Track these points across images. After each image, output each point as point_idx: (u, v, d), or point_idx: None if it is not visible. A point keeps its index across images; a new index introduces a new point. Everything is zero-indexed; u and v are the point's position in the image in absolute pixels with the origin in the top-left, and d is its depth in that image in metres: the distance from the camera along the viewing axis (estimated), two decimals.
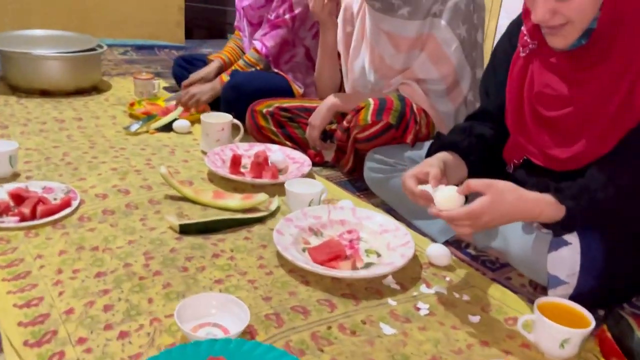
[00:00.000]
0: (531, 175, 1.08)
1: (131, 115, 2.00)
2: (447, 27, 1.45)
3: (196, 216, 1.30)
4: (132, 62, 2.99)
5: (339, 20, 1.70)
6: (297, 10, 1.96)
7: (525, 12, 1.06)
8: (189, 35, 3.73)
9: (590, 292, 0.97)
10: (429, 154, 1.18)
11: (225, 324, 0.91)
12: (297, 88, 1.98)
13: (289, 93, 1.93)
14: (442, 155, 1.14)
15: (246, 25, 2.14)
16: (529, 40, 1.06)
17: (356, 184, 1.63)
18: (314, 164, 1.73)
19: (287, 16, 1.97)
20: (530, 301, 1.06)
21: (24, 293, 0.97)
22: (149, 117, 1.92)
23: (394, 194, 1.40)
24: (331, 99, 1.61)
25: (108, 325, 0.91)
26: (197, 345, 0.82)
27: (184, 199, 1.38)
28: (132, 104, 2.06)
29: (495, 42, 1.25)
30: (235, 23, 2.23)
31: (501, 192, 0.93)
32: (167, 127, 1.89)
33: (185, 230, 1.22)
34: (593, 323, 0.88)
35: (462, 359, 0.89)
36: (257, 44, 2.00)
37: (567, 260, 0.96)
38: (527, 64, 1.08)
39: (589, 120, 0.98)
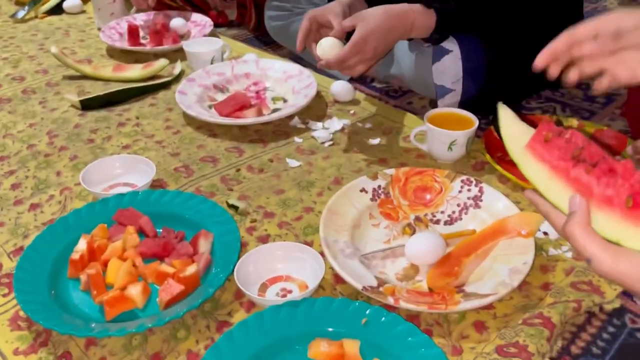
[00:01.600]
0: None
1: (17, 3, 1.85)
2: None
3: (98, 91, 1.27)
4: None
5: None
6: None
7: None
8: None
9: (476, 97, 1.04)
10: None
11: (134, 182, 0.94)
12: None
13: None
14: None
15: None
16: None
17: (263, 38, 1.60)
18: (219, 25, 1.68)
19: None
20: None
21: None
22: (35, 0, 1.78)
23: (296, 39, 1.39)
24: None
25: (18, 201, 0.92)
26: (104, 201, 0.85)
27: (84, 77, 1.33)
28: None
29: None
30: None
31: (370, 15, 0.94)
32: (58, 9, 1.77)
33: (88, 105, 1.20)
34: (476, 123, 0.96)
35: (362, 175, 0.96)
36: None
37: (449, 68, 1.01)
38: None
39: None
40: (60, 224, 0.81)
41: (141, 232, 0.81)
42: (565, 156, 0.53)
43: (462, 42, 1.00)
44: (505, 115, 0.61)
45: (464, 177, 0.86)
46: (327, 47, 0.97)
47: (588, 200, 0.50)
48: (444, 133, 0.94)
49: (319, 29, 1.04)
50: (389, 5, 0.96)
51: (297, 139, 1.08)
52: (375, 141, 1.06)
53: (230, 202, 0.89)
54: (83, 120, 1.16)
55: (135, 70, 1.33)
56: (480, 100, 1.05)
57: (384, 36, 0.96)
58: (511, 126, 0.60)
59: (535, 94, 1.22)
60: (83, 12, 1.78)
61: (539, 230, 0.80)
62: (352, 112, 1.17)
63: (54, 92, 1.28)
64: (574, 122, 1.03)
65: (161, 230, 0.82)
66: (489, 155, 0.94)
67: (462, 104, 1.04)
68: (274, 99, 1.22)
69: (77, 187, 0.95)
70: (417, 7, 0.96)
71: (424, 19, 0.95)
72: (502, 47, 1.03)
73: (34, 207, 0.91)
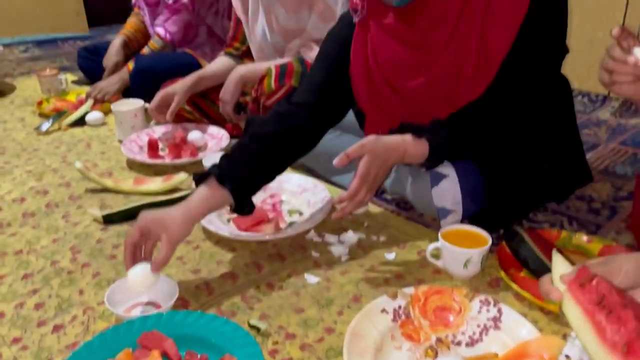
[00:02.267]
0: None
1: (41, 115, 1.95)
2: None
3: (119, 205, 1.31)
4: (35, 59, 2.87)
5: None
6: None
7: None
8: (93, 23, 3.59)
9: (477, 216, 1.08)
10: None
11: (156, 300, 0.96)
12: (206, 63, 1.98)
13: (198, 69, 1.93)
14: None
15: (144, 5, 2.11)
16: (358, 1, 1.05)
17: None
18: (235, 137, 1.76)
19: (185, 0, 1.95)
20: None
21: None
22: (59, 113, 1.88)
23: (310, 154, 1.46)
24: (237, 72, 1.63)
25: (41, 322, 0.93)
26: (129, 324, 0.86)
27: (105, 190, 1.39)
28: (40, 103, 2.00)
29: None
30: (134, 1, 2.20)
31: (374, 142, 0.98)
32: (80, 122, 1.87)
33: (109, 219, 1.24)
34: (490, 241, 0.99)
35: (381, 292, 0.98)
36: (160, 31, 1.99)
37: (448, 191, 1.06)
38: (364, 32, 1.08)
39: (445, 85, 1.01)
40: (86, 349, 0.81)
41: (165, 356, 0.82)
42: (593, 301, 0.62)
43: (458, 166, 1.06)
44: (558, 263, 0.71)
45: (482, 297, 0.88)
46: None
47: (603, 344, 0.61)
48: (459, 251, 0.97)
49: None
50: (384, 137, 1.00)
51: (314, 253, 1.11)
52: (390, 256, 1.09)
53: (252, 323, 0.90)
54: (105, 235, 1.19)
55: (155, 184, 1.38)
56: (484, 217, 1.09)
57: (382, 164, 1.01)
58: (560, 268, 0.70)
59: (540, 207, 1.27)
60: (104, 124, 1.87)
61: (561, 353, 0.81)
62: (365, 224, 1.21)
63: (76, 206, 1.32)
64: (583, 237, 1.06)
65: (185, 354, 0.82)
66: (503, 273, 0.97)
67: (466, 221, 1.08)
68: (290, 212, 1.27)
69: (100, 306, 0.96)
70: (409, 138, 1.00)
71: (416, 148, 1.00)
72: (498, 167, 1.08)
73: (57, 328, 0.91)
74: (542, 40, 0.99)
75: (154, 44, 2.00)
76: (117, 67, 2.05)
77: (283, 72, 1.44)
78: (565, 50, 1.06)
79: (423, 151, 1.01)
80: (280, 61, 1.53)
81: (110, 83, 1.96)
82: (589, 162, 1.49)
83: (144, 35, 2.16)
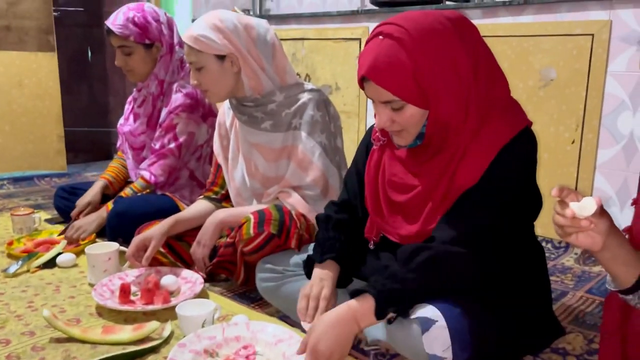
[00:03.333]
0: (385, 251, 1.27)
1: (9, 256, 1.91)
2: (308, 137, 1.60)
3: (85, 357, 1.26)
4: (9, 197, 2.88)
5: (215, 135, 1.81)
6: (181, 139, 2.03)
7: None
8: (71, 159, 3.67)
9: None
10: (309, 264, 1.33)
11: None
12: (185, 207, 2.03)
13: (175, 212, 1.96)
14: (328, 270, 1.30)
15: (128, 148, 2.19)
16: (380, 136, 1.28)
17: (250, 295, 1.66)
18: (206, 280, 1.74)
19: (172, 145, 2.03)
20: None
21: None
22: (30, 255, 1.85)
23: (286, 301, 1.45)
24: (217, 216, 1.67)
25: None
26: None
27: (72, 340, 1.33)
28: (10, 243, 1.97)
29: None
30: (118, 145, 2.28)
31: (314, 328, 1.11)
32: (51, 263, 1.83)
33: None
34: None
35: None
36: (146, 174, 2.04)
37: (438, 337, 1.06)
38: (380, 156, 1.28)
39: (423, 203, 1.17)
40: None
41: None
42: None
43: (445, 312, 1.08)
44: None
45: None
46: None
47: None
48: None
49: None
50: (327, 315, 1.13)
51: None
52: None
53: None
54: None
55: (125, 333, 1.34)
56: None
57: (331, 336, 1.09)
58: None
59: (531, 354, 1.27)
60: (75, 265, 1.84)
61: None
62: None
63: (39, 358, 1.26)
64: None
65: None
66: None
67: None
68: None
69: None
70: (352, 301, 1.11)
71: (363, 308, 1.09)
72: (484, 316, 1.11)
73: None
74: (505, 187, 1.12)
75: (137, 186, 2.04)
76: (89, 208, 2.07)
77: (262, 219, 1.48)
78: (538, 204, 1.20)
79: (370, 307, 1.09)
80: (258, 207, 1.58)
81: (87, 222, 1.97)
82: (559, 310, 1.54)
83: (125, 180, 2.22)
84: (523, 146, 1.13)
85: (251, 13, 3.31)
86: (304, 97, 1.62)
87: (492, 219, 1.12)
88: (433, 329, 1.08)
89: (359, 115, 2.82)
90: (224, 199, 1.85)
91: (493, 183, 1.11)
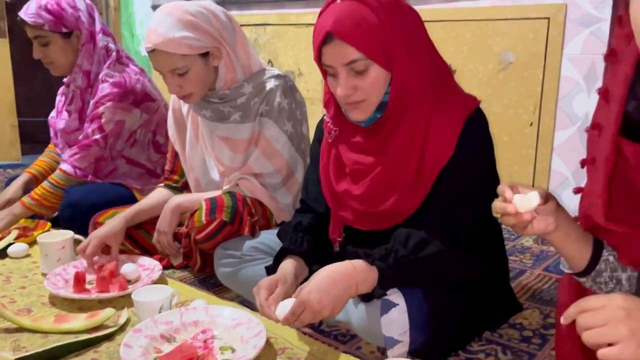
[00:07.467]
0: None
1: None
2: (275, 125, 1.57)
3: (36, 346, 1.21)
4: None
5: (169, 121, 1.76)
6: (107, 129, 1.94)
7: (327, 102, 1.22)
8: (26, 151, 3.54)
9: (424, 347, 1.07)
10: (277, 258, 1.28)
11: None
12: (137, 192, 1.98)
13: (131, 200, 1.91)
14: (292, 265, 1.23)
15: (63, 145, 2.10)
16: (332, 126, 1.22)
17: (210, 280, 1.64)
18: (166, 268, 1.71)
19: (97, 136, 1.94)
20: None
21: None
22: None
23: (245, 285, 1.43)
24: (173, 201, 1.63)
25: None
26: None
27: (22, 329, 1.28)
28: None
29: None
30: (52, 139, 2.17)
31: (314, 275, 1.08)
32: (2, 254, 1.76)
33: None
34: None
35: None
36: (67, 167, 1.93)
37: (397, 320, 1.06)
38: (333, 148, 1.24)
39: (394, 181, 1.15)
40: None
41: None
42: None
43: (408, 296, 1.07)
44: None
45: None
46: (283, 309, 1.04)
47: None
48: None
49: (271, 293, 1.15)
50: (334, 263, 1.05)
51: None
52: None
53: None
54: None
55: (78, 321, 1.30)
56: (429, 348, 1.08)
57: (327, 289, 1.04)
58: None
59: (477, 337, 1.28)
60: (28, 255, 1.78)
61: None
62: (302, 359, 1.17)
63: None
64: None
65: None
66: None
67: (411, 353, 1.07)
68: (222, 349, 1.20)
69: None
70: (359, 263, 1.06)
71: (366, 275, 1.06)
72: (444, 299, 1.11)
73: None
74: (472, 166, 1.12)
75: (56, 178, 1.92)
76: (9, 205, 1.95)
77: (213, 206, 1.46)
78: (496, 182, 1.19)
79: (373, 278, 1.06)
80: (213, 193, 1.55)
81: None
82: (517, 288, 1.56)
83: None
84: (484, 119, 1.15)
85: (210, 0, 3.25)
86: (271, 83, 1.58)
87: (478, 199, 1.10)
88: (392, 312, 1.09)
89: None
90: (184, 187, 1.81)
91: (469, 155, 1.10)
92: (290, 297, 1.12)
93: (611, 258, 0.87)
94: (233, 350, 1.20)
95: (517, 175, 2.19)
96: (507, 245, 1.89)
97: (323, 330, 1.33)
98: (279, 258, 1.28)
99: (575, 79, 2.04)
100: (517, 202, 0.80)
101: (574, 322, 0.71)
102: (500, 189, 0.82)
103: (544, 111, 2.12)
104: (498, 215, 0.83)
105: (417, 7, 1.16)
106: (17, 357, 1.13)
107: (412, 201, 1.14)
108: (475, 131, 1.11)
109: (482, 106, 1.17)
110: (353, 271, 1.06)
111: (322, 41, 1.07)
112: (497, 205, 0.82)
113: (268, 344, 1.21)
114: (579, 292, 0.97)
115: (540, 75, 2.10)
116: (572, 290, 0.99)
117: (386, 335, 1.07)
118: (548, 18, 2.04)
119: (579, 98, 2.05)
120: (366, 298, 1.11)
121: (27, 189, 2.02)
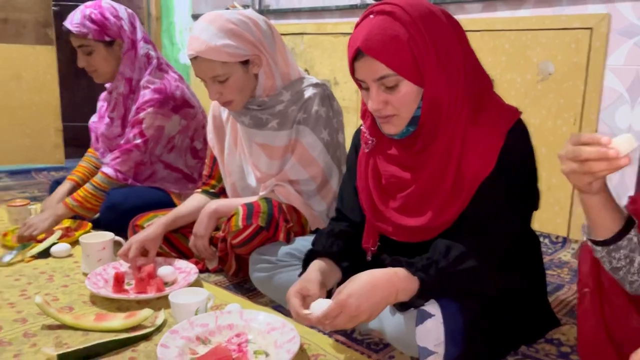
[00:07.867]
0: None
1: (4, 246, 1.90)
2: (312, 132, 1.58)
3: (77, 343, 1.25)
4: (5, 189, 2.87)
5: (209, 127, 1.79)
6: (148, 134, 1.99)
7: (364, 113, 1.22)
8: (69, 155, 3.66)
9: (458, 359, 1.06)
10: (306, 261, 1.28)
11: None
12: (175, 196, 2.02)
13: (169, 204, 1.96)
14: (318, 265, 1.24)
15: (105, 150, 2.16)
16: (368, 136, 1.22)
17: (245, 285, 1.66)
18: (202, 272, 1.74)
19: (138, 140, 1.98)
20: None
21: None
22: (24, 245, 1.84)
23: (279, 291, 1.44)
24: (211, 206, 1.65)
25: None
26: None
27: (64, 326, 1.32)
28: (5, 234, 1.96)
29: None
30: (92, 144, 2.24)
31: (355, 277, 1.06)
32: (45, 253, 1.83)
33: (65, 359, 1.17)
34: None
35: None
36: (109, 171, 1.98)
37: (432, 331, 1.05)
38: (370, 159, 1.24)
39: (431, 194, 1.13)
40: None
41: None
42: None
43: (444, 307, 1.06)
44: None
45: None
46: (318, 308, 1.04)
47: None
48: None
49: (305, 299, 1.16)
50: (375, 269, 1.05)
51: None
52: None
53: None
54: None
55: (117, 320, 1.33)
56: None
57: (367, 294, 1.04)
58: None
59: (513, 351, 1.26)
60: (70, 255, 1.84)
61: None
62: None
63: (30, 344, 1.25)
64: None
65: None
66: None
67: None
68: (256, 353, 1.22)
69: None
70: (402, 272, 1.06)
71: (407, 284, 1.05)
72: (480, 311, 1.09)
73: None
74: (513, 180, 1.10)
75: (98, 181, 1.97)
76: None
77: (250, 212, 1.48)
78: (537, 196, 1.17)
79: (413, 287, 1.06)
80: (249, 199, 1.57)
81: (41, 219, 1.90)
82: (554, 303, 1.53)
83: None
84: (526, 131, 1.13)
85: (250, 8, 3.31)
86: (309, 91, 1.60)
87: (518, 213, 1.12)
88: (428, 322, 1.08)
89: (358, 110, 2.81)
90: (221, 193, 1.84)
91: (511, 169, 1.08)
92: (318, 294, 1.14)
93: (635, 239, 0.88)
94: (267, 355, 1.21)
95: (555, 188, 2.15)
96: (544, 259, 1.86)
97: (356, 338, 1.33)
98: (307, 261, 1.28)
99: (619, 91, 1.99)
100: (618, 144, 0.73)
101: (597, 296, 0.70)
102: (586, 137, 0.77)
103: (585, 123, 2.07)
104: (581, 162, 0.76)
105: (455, 17, 1.16)
106: (59, 352, 1.17)
107: (448, 214, 1.12)
108: (517, 144, 1.09)
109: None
110: (395, 279, 1.05)
111: (354, 56, 1.08)
112: (591, 150, 0.74)
113: (301, 349, 1.22)
114: (598, 263, 0.96)
115: (581, 87, 2.06)
116: (592, 261, 0.99)
117: (420, 345, 1.06)
118: (591, 28, 2.00)
119: (622, 110, 2.00)
120: (401, 307, 1.10)
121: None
